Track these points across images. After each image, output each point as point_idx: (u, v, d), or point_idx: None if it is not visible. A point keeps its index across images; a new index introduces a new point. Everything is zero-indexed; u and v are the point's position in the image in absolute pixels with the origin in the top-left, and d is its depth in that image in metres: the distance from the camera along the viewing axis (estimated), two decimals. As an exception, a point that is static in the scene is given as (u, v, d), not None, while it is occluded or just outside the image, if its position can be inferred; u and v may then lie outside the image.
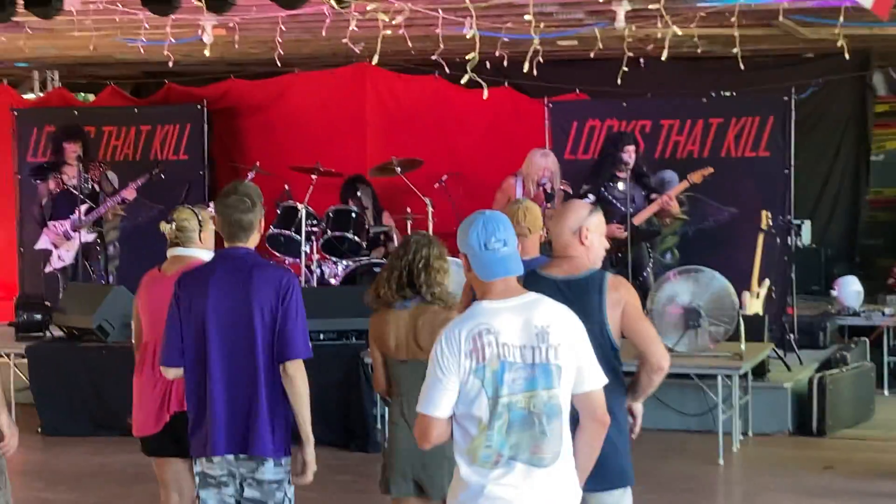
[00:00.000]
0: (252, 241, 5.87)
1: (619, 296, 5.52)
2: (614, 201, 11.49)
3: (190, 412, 5.85)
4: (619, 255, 11.42)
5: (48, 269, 13.17)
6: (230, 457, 5.72)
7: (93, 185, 12.96)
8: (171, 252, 6.68)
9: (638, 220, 11.50)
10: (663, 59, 10.23)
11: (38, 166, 13.40)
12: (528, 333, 4.46)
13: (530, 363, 4.45)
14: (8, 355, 11.63)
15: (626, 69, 10.47)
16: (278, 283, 5.70)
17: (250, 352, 5.69)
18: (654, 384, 5.64)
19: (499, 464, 4.44)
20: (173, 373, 5.88)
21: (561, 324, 4.52)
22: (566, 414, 4.52)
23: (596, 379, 4.61)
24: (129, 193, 12.90)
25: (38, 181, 13.10)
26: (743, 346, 10.14)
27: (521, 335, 4.46)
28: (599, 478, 5.30)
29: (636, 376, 5.64)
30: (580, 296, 5.43)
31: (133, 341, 6.79)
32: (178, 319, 5.79)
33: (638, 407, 5.75)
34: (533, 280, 5.40)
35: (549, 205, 11.63)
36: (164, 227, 6.67)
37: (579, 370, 4.54)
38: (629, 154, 11.44)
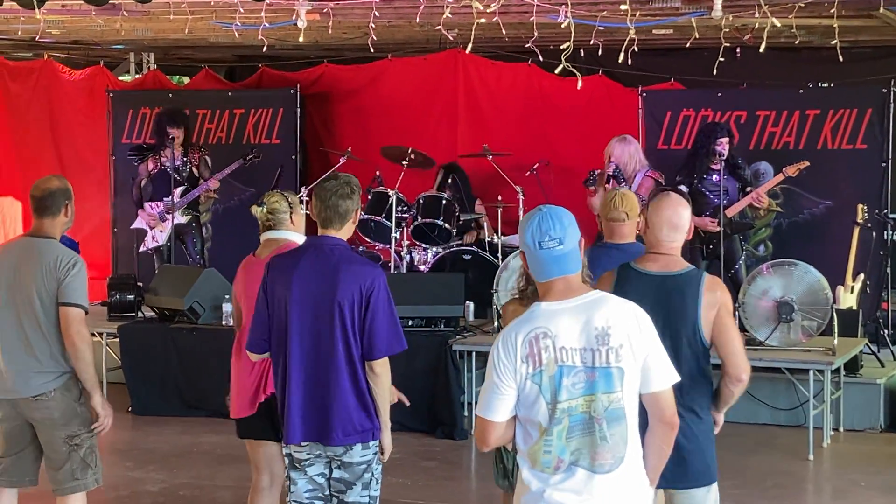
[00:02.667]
0: (345, 231, 5.87)
1: (716, 297, 5.44)
2: (708, 193, 11.38)
3: (277, 396, 5.91)
4: (711, 247, 11.31)
5: (142, 248, 13.30)
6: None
7: (191, 168, 13.07)
8: (264, 236, 6.74)
9: (731, 212, 11.37)
10: (761, 50, 10.10)
11: (138, 147, 13.51)
12: (588, 336, 4.33)
13: (590, 366, 4.32)
14: (100, 335, 11.75)
15: (721, 59, 10.36)
16: (363, 281, 5.70)
17: (330, 345, 5.71)
18: (734, 396, 5.52)
19: (559, 469, 4.35)
20: (257, 357, 5.95)
21: (623, 324, 4.36)
22: (631, 417, 4.38)
23: (664, 379, 4.45)
24: (213, 184, 13.01)
25: (138, 161, 13.21)
26: (836, 341, 10.03)
27: (581, 338, 4.33)
28: (686, 475, 5.29)
29: (718, 387, 5.54)
30: (677, 293, 5.40)
31: (232, 324, 6.87)
32: (265, 305, 5.84)
33: (720, 418, 5.64)
34: (628, 274, 5.35)
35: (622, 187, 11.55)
36: (256, 211, 6.72)
37: (646, 370, 4.39)
38: (723, 146, 11.30)
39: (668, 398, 4.49)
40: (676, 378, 4.52)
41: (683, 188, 11.26)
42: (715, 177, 11.37)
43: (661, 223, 5.52)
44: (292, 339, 5.75)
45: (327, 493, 5.85)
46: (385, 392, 5.80)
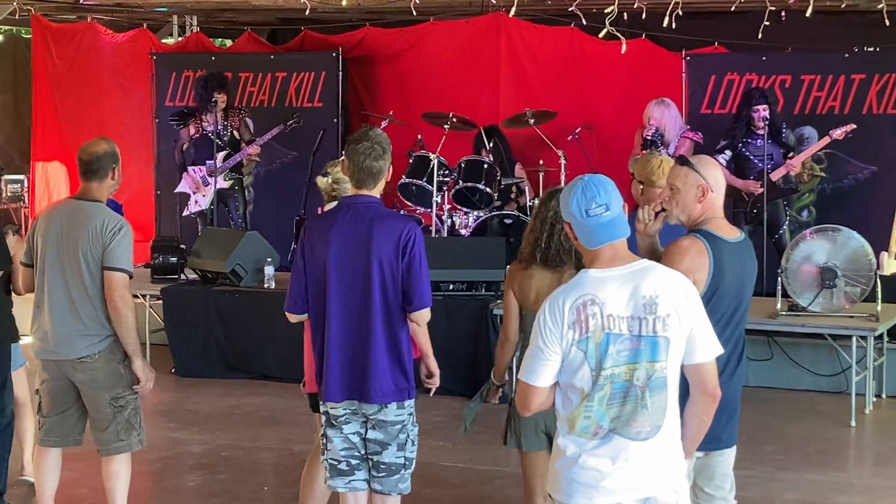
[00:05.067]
0: (378, 190, 5.91)
1: None
2: (752, 158, 11.32)
3: (315, 357, 5.94)
4: (755, 211, 11.26)
5: (186, 212, 13.35)
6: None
7: (232, 132, 13.10)
8: (328, 206, 6.68)
9: (775, 176, 11.31)
10: (807, 14, 10.01)
11: (180, 111, 13.55)
12: (636, 304, 4.33)
13: (636, 335, 4.32)
14: (143, 297, 11.83)
15: (766, 22, 10.27)
16: (399, 234, 5.74)
17: (367, 302, 5.75)
18: None
19: (597, 435, 4.36)
20: (295, 318, 5.99)
21: (672, 293, 4.36)
22: (672, 387, 4.39)
23: (708, 350, 4.45)
24: (254, 149, 13.02)
25: (179, 126, 13.25)
26: (879, 307, 9.98)
27: (628, 306, 4.33)
28: (731, 436, 5.32)
29: None
30: (749, 257, 5.46)
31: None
32: (303, 267, 5.88)
33: None
34: (720, 245, 5.25)
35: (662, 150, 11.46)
36: (321, 182, 6.69)
37: (691, 341, 4.40)
38: (759, 113, 11.24)
39: (712, 370, 4.48)
40: (720, 350, 4.52)
41: (728, 152, 11.24)
42: (759, 141, 11.31)
43: (721, 186, 5.42)
44: (331, 298, 5.78)
45: (363, 452, 5.89)
46: (427, 338, 6.06)
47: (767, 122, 11.19)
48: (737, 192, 11.21)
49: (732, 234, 5.39)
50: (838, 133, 11.35)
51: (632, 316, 4.33)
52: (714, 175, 5.40)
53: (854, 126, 11.40)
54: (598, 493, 4.35)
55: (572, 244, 5.92)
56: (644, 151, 11.45)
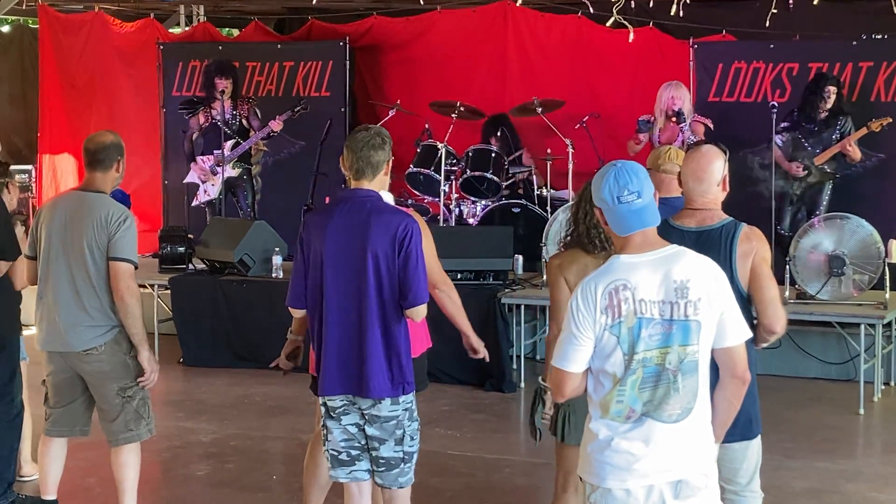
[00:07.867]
0: (378, 183, 5.86)
1: (751, 247, 5.45)
2: (803, 141, 11.38)
3: (314, 351, 5.94)
4: (798, 192, 11.36)
5: (195, 202, 13.35)
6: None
7: (241, 121, 13.09)
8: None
9: (820, 159, 11.35)
10: (815, 2, 9.98)
11: (189, 100, 13.55)
12: (667, 288, 4.37)
13: (668, 319, 4.36)
14: (151, 286, 11.84)
15: (774, 10, 10.25)
16: (395, 229, 5.69)
17: (363, 297, 5.71)
18: (760, 343, 5.49)
19: (630, 418, 4.39)
20: (298, 314, 5.98)
21: (702, 278, 4.40)
22: (704, 370, 4.43)
23: (738, 334, 4.49)
24: (277, 125, 12.96)
25: (188, 115, 13.25)
26: (887, 295, 9.98)
27: (660, 290, 4.37)
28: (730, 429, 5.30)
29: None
30: (713, 247, 5.35)
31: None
32: (303, 262, 5.86)
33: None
34: (667, 231, 5.27)
35: (684, 128, 11.44)
36: None
37: (721, 325, 4.43)
38: (829, 93, 11.30)
39: (742, 353, 4.52)
40: (749, 334, 4.56)
41: (787, 134, 11.26)
42: (813, 125, 11.35)
43: (687, 176, 5.53)
44: (328, 293, 5.76)
45: (362, 443, 5.88)
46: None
47: (829, 109, 11.23)
48: (785, 174, 11.45)
49: (703, 222, 5.44)
50: (875, 125, 11.30)
51: (663, 300, 4.37)
52: (683, 164, 5.58)
53: (889, 119, 11.35)
54: (630, 475, 4.39)
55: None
56: (672, 121, 11.51)
